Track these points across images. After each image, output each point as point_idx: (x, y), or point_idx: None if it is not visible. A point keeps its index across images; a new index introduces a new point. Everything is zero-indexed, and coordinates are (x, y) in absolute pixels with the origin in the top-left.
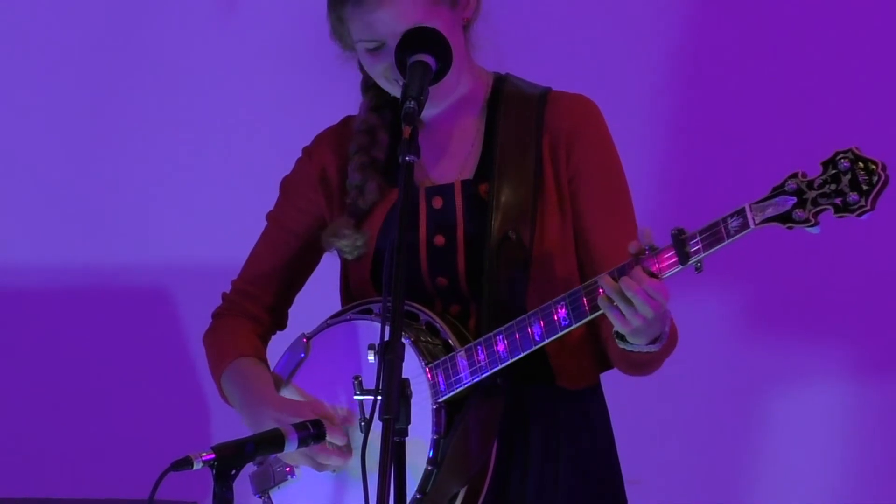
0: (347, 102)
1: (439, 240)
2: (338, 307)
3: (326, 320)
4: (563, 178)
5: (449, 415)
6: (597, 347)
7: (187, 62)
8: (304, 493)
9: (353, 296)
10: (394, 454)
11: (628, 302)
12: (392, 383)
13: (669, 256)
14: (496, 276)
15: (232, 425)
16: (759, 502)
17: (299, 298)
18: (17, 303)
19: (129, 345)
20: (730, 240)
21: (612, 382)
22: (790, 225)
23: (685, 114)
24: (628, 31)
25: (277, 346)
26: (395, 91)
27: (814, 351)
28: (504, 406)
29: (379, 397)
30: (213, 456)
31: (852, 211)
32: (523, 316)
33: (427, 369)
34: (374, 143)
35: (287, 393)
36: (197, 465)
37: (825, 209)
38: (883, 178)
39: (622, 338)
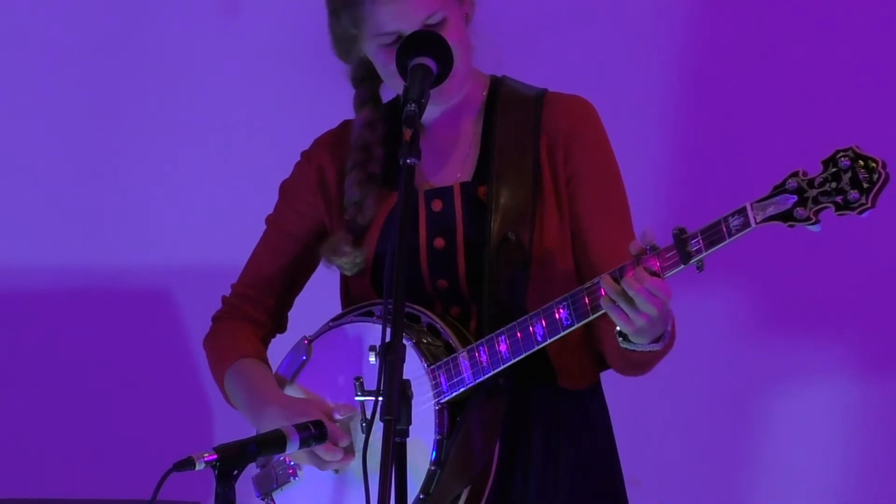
0: (349, 104)
1: (439, 242)
2: (337, 309)
3: (328, 323)
4: (561, 178)
5: (451, 415)
6: (596, 347)
7: (188, 63)
8: (306, 495)
9: (354, 300)
10: (395, 455)
11: (631, 301)
12: (393, 384)
13: (671, 256)
14: (496, 277)
15: (234, 426)
16: (760, 502)
17: (299, 301)
18: (18, 304)
19: (130, 346)
20: (731, 239)
21: (612, 382)
22: (791, 223)
23: (685, 114)
24: (628, 31)
25: (277, 348)
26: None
27: (814, 350)
28: (506, 406)
29: (380, 398)
30: (215, 456)
31: (853, 209)
32: (525, 316)
33: (429, 370)
34: (370, 158)
35: (290, 394)
36: (199, 466)
37: (826, 207)
38: (883, 175)
39: (625, 337)
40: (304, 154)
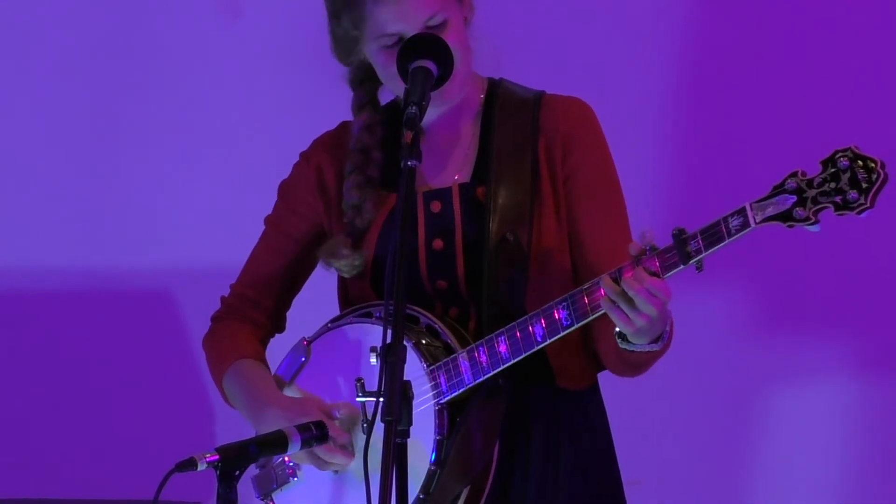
0: (348, 106)
1: (438, 243)
2: (336, 309)
3: (327, 324)
4: (559, 179)
5: (451, 416)
6: (593, 347)
7: (189, 65)
8: (306, 495)
9: (353, 301)
10: (396, 455)
11: (631, 302)
12: (394, 385)
13: (670, 256)
14: (495, 278)
15: (236, 427)
16: (759, 502)
17: (298, 301)
18: (20, 305)
19: (132, 347)
20: (730, 239)
21: (612, 382)
22: (791, 223)
23: (683, 114)
24: (626, 32)
25: (277, 348)
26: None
27: (813, 349)
28: (506, 406)
29: (381, 399)
30: (217, 457)
31: (852, 209)
32: (525, 317)
33: (429, 371)
34: (369, 161)
35: (288, 393)
36: (201, 467)
37: (825, 207)
38: (882, 175)
39: (623, 338)
40: (303, 155)
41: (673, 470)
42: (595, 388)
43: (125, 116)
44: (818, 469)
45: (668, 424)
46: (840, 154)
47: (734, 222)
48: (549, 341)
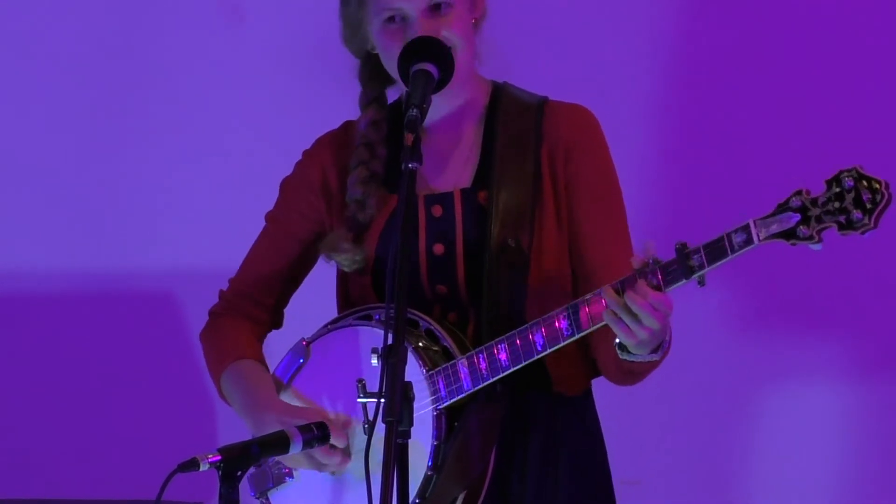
0: (351, 109)
1: (438, 248)
2: (333, 308)
3: (326, 326)
4: (560, 184)
5: (449, 421)
6: (589, 354)
7: (192, 68)
8: (303, 496)
9: (353, 301)
10: (397, 456)
11: (634, 316)
12: (395, 386)
13: (673, 270)
14: (496, 284)
15: (237, 427)
16: (757, 502)
17: (297, 301)
18: (22, 306)
19: (134, 348)
20: (734, 255)
21: (611, 384)
22: (794, 241)
23: (682, 120)
24: (626, 34)
25: (276, 348)
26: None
27: (812, 350)
28: (504, 412)
29: (382, 400)
30: (219, 457)
31: (856, 229)
32: (525, 325)
33: (428, 376)
34: (374, 156)
35: (287, 396)
36: (203, 467)
37: (829, 226)
38: (886, 196)
39: (624, 348)
40: (306, 153)
41: (672, 470)
42: (589, 394)
43: (127, 118)
44: (815, 469)
45: (668, 425)
46: (845, 174)
47: (737, 238)
48: (548, 351)
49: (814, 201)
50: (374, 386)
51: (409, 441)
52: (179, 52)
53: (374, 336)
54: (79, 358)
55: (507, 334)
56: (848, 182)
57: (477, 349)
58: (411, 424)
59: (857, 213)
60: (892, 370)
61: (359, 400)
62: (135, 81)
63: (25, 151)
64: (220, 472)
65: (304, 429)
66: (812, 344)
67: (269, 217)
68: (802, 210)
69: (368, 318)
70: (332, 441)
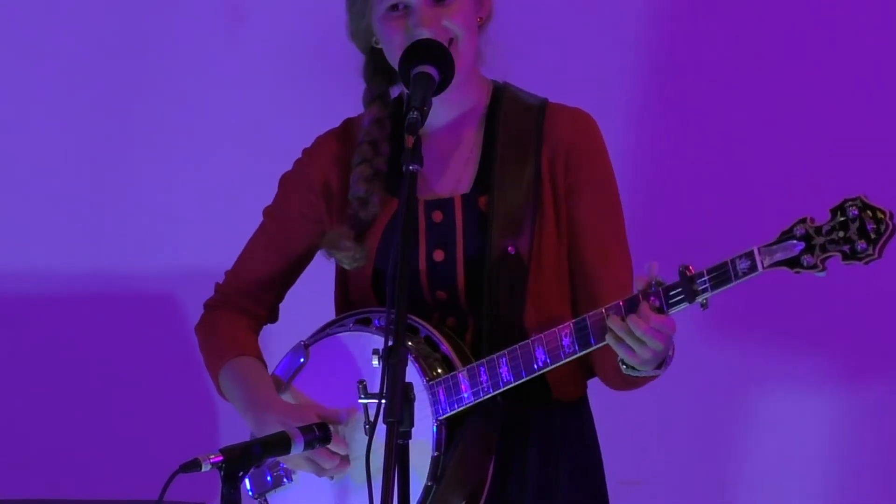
0: (354, 109)
1: (439, 255)
2: (331, 307)
3: (326, 328)
4: (560, 191)
5: (448, 431)
6: (584, 358)
7: (194, 69)
8: (303, 498)
9: (352, 302)
10: (398, 457)
11: (637, 339)
12: (396, 387)
13: (677, 293)
14: (496, 291)
15: (239, 428)
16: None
17: (294, 301)
18: (25, 307)
19: (136, 349)
20: (737, 281)
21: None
22: (798, 270)
23: (682, 120)
24: (624, 38)
25: (272, 345)
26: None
27: (805, 358)
28: (503, 423)
29: (383, 401)
30: (221, 458)
31: (860, 259)
32: (527, 340)
33: (428, 386)
34: (377, 154)
35: (287, 397)
36: (205, 467)
37: (833, 255)
38: (891, 227)
39: (628, 365)
40: (307, 152)
41: (671, 471)
42: (585, 399)
43: (128, 118)
44: (809, 470)
45: (667, 428)
46: (849, 203)
47: (742, 265)
48: (549, 367)
49: (818, 230)
50: (373, 389)
51: (409, 452)
52: (180, 53)
53: (373, 342)
54: (80, 359)
55: (509, 348)
56: (852, 211)
57: (478, 361)
58: (412, 425)
59: (861, 244)
60: (881, 377)
61: (360, 401)
62: (136, 82)
63: (26, 153)
64: (222, 473)
65: (305, 429)
66: (806, 351)
67: (267, 213)
68: (806, 238)
69: (367, 321)
70: (332, 448)
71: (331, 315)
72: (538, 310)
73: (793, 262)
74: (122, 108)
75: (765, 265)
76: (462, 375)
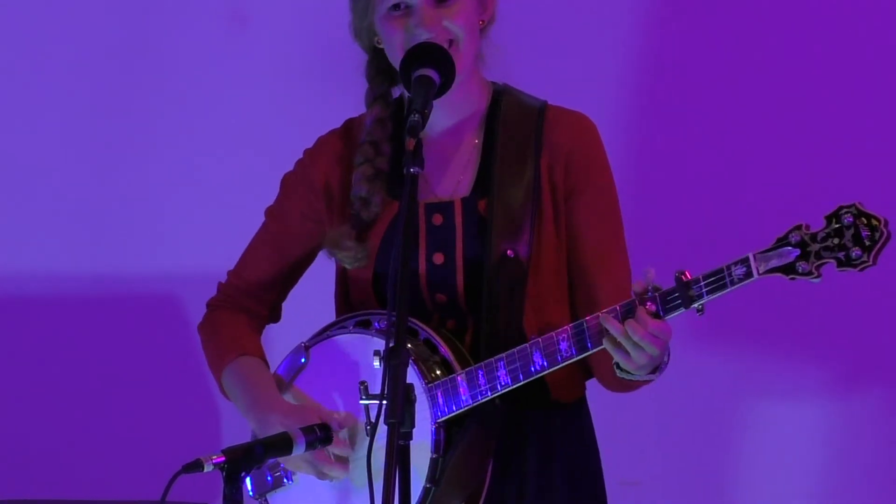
0: (355, 111)
1: (438, 258)
2: (331, 307)
3: (326, 330)
4: (560, 195)
5: (447, 433)
6: (583, 360)
7: (197, 71)
8: (303, 498)
9: (353, 304)
10: (399, 457)
11: (635, 344)
12: (397, 388)
13: (673, 299)
14: (495, 294)
15: (241, 429)
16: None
17: (295, 301)
18: (27, 309)
19: (138, 350)
20: (733, 287)
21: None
22: (793, 276)
23: (681, 121)
24: (623, 39)
25: (273, 345)
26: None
27: (800, 364)
28: (501, 424)
29: (384, 402)
30: (223, 458)
31: (854, 265)
32: (525, 345)
33: (427, 389)
34: (379, 154)
35: (288, 398)
36: (207, 468)
37: (828, 262)
38: (885, 234)
39: (623, 369)
40: (308, 152)
41: (670, 472)
42: (583, 400)
43: (131, 120)
44: (804, 473)
45: (666, 430)
46: (844, 210)
47: (737, 272)
48: (547, 371)
49: (813, 237)
50: (375, 390)
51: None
52: (182, 55)
53: (373, 343)
54: (83, 359)
55: (507, 352)
56: (847, 218)
57: (476, 365)
58: (413, 426)
59: (856, 251)
60: (877, 379)
61: (361, 402)
62: (138, 83)
63: (29, 155)
64: (224, 473)
65: (307, 430)
66: (803, 354)
67: (269, 213)
68: (802, 245)
69: (368, 323)
70: (335, 451)
71: (331, 316)
72: (537, 313)
73: (788, 269)
74: (123, 109)
75: (760, 271)
76: (460, 378)
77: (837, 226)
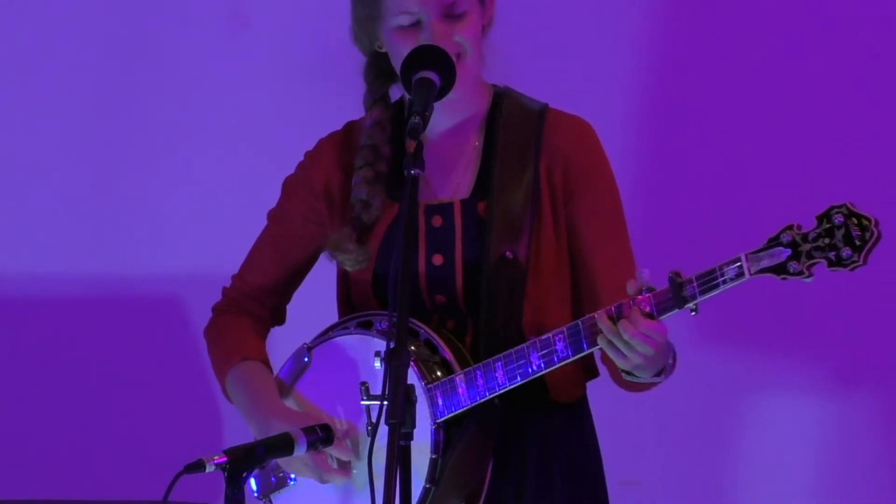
0: (356, 113)
1: (438, 259)
2: (334, 309)
3: (328, 331)
4: (559, 199)
5: (447, 433)
6: (584, 359)
7: (199, 73)
8: (305, 498)
9: (355, 305)
10: (399, 458)
11: (626, 343)
12: (398, 389)
13: (667, 299)
14: (494, 295)
15: (243, 429)
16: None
17: (297, 302)
18: (30, 310)
19: (141, 351)
20: (725, 287)
21: (611, 387)
22: (784, 276)
23: (680, 122)
24: (623, 40)
25: (276, 346)
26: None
27: (799, 363)
28: (501, 424)
29: (385, 403)
30: (224, 459)
31: (845, 265)
32: (522, 345)
33: (426, 389)
34: (379, 157)
35: (290, 401)
36: (209, 468)
37: (819, 262)
38: (875, 234)
39: (628, 371)
40: (308, 155)
41: (669, 472)
42: (584, 400)
43: (134, 122)
44: (803, 472)
45: (666, 430)
46: (835, 210)
47: (729, 272)
48: (544, 371)
49: (804, 237)
50: (376, 390)
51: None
52: (182, 56)
53: (374, 344)
54: (84, 360)
55: (505, 353)
56: (838, 218)
57: (475, 365)
58: (414, 426)
59: (846, 251)
60: (876, 379)
61: (362, 402)
62: (138, 84)
63: (30, 155)
64: (226, 474)
65: (308, 431)
66: (802, 354)
67: (271, 216)
68: (793, 245)
69: (369, 324)
70: (337, 454)
71: (334, 317)
72: (536, 314)
73: (779, 269)
74: (123, 109)
75: (752, 272)
76: (459, 379)
77: (828, 226)
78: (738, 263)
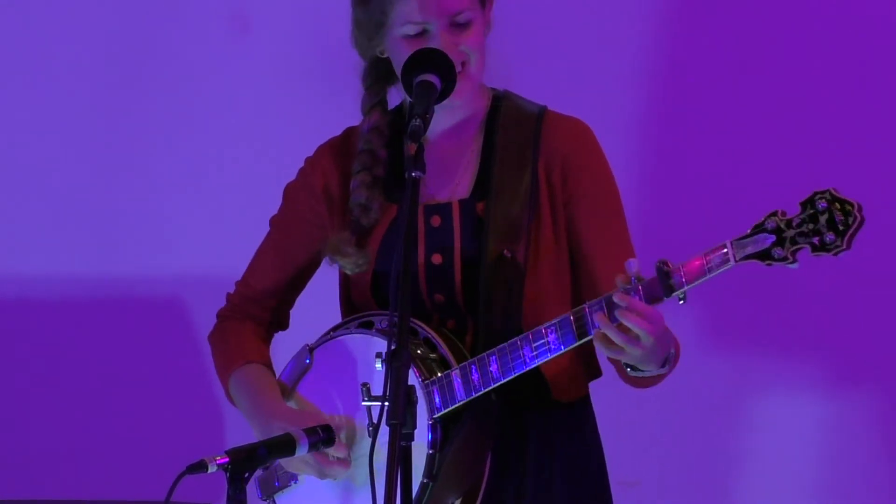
0: (357, 117)
1: (437, 258)
2: (336, 311)
3: (330, 332)
4: (558, 200)
5: (444, 430)
6: (586, 359)
7: (201, 75)
8: (309, 498)
9: (355, 306)
10: (400, 458)
11: (622, 332)
12: (399, 390)
13: (654, 288)
14: (492, 293)
15: (245, 430)
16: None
17: (300, 304)
18: (31, 311)
19: (143, 352)
20: (711, 275)
21: (611, 387)
22: (769, 262)
23: (679, 123)
24: (622, 40)
25: (279, 348)
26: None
27: (799, 362)
28: (498, 421)
29: (386, 403)
30: (226, 459)
31: (829, 250)
32: (515, 339)
33: (424, 385)
34: (376, 161)
35: (292, 402)
36: (211, 469)
37: (803, 248)
38: (858, 219)
39: (632, 367)
40: (308, 160)
41: (669, 472)
42: (586, 400)
43: (134, 122)
44: (804, 471)
45: (666, 430)
46: (819, 195)
47: (715, 259)
48: (537, 363)
49: (788, 223)
50: (377, 391)
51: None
52: (183, 57)
53: (376, 345)
54: (87, 361)
55: (499, 347)
56: (821, 204)
57: (469, 361)
58: (415, 427)
59: (829, 235)
60: (876, 378)
61: (363, 403)
62: (139, 85)
63: (30, 155)
64: (228, 474)
65: (309, 431)
66: (803, 354)
67: (273, 222)
68: (777, 231)
69: (370, 324)
70: (333, 452)
71: (337, 318)
72: (536, 314)
73: (764, 255)
74: (124, 110)
75: (737, 258)
76: (455, 374)
77: (812, 211)
78: (724, 250)
